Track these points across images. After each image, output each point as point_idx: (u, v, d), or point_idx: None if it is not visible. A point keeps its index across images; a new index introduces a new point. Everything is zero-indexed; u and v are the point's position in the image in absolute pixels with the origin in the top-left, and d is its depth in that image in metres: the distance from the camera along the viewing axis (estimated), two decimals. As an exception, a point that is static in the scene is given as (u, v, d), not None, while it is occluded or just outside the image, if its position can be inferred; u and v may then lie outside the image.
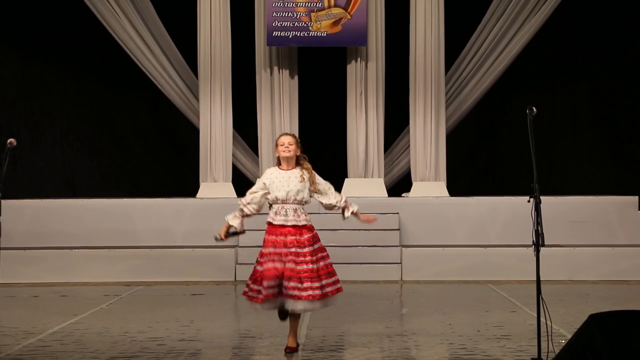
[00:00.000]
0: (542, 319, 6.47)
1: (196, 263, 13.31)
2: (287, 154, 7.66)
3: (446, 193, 14.47)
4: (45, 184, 16.08)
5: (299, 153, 7.75)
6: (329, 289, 7.51)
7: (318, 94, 15.96)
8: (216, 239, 7.58)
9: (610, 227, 13.87)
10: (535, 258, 6.55)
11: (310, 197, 7.68)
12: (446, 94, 15.09)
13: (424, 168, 14.74)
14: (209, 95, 14.81)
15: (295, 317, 7.62)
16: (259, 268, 7.51)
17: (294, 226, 7.52)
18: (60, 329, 8.99)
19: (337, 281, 7.62)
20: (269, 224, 7.57)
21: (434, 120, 14.73)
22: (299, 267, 7.42)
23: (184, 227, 13.99)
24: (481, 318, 9.51)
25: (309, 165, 7.73)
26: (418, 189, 14.59)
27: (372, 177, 14.72)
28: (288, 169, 7.68)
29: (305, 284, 7.38)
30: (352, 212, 7.75)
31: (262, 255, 7.54)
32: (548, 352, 6.36)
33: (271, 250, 7.48)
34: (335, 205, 7.75)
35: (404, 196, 14.63)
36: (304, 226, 7.55)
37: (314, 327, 8.98)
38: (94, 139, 16.89)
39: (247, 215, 7.68)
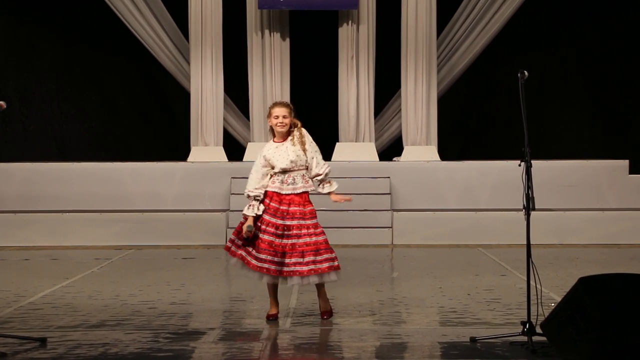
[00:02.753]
0: (532, 283, 6.50)
1: (187, 227, 13.32)
2: (282, 129, 7.52)
3: (437, 157, 14.47)
4: (35, 147, 16.03)
5: (293, 121, 7.61)
6: (325, 265, 7.41)
7: (309, 57, 15.89)
8: (249, 231, 7.42)
9: (601, 190, 13.90)
10: (525, 222, 6.56)
11: None
12: (438, 57, 15.04)
13: (415, 132, 14.73)
14: (200, 58, 14.74)
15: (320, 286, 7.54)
16: (258, 234, 7.36)
17: (300, 194, 7.41)
18: (51, 292, 9.00)
19: (335, 258, 7.48)
20: (275, 193, 7.43)
21: (425, 85, 14.70)
22: (300, 241, 7.36)
23: (174, 190, 13.98)
24: (471, 282, 9.55)
25: (300, 132, 7.58)
26: (409, 153, 14.58)
27: (363, 142, 14.70)
28: (283, 141, 7.54)
29: (307, 258, 7.33)
30: (326, 192, 7.53)
31: (261, 220, 7.42)
32: (538, 315, 6.39)
33: (272, 219, 7.37)
34: (317, 175, 7.54)
35: (395, 160, 14.63)
36: (307, 194, 7.45)
37: (305, 292, 8.99)
38: (84, 101, 16.80)
39: (260, 199, 7.46)
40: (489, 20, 15.06)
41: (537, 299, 6.52)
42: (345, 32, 14.77)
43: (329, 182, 7.59)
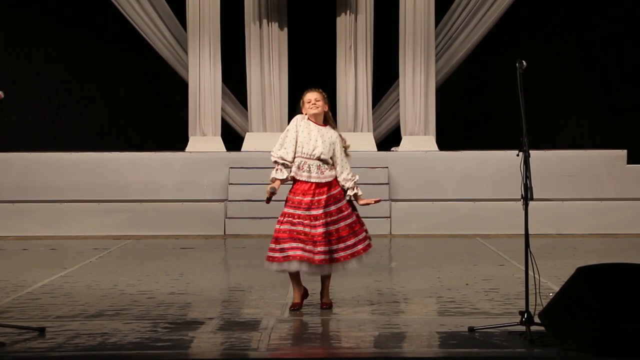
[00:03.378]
0: (530, 273, 6.50)
1: (185, 217, 13.32)
2: (314, 110, 7.43)
3: (435, 147, 14.46)
4: (33, 137, 16.01)
5: (326, 109, 7.53)
6: (348, 252, 7.39)
7: (307, 47, 15.85)
8: (272, 192, 7.40)
9: (599, 180, 13.90)
10: (523, 212, 6.56)
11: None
12: (436, 47, 15.02)
13: (414, 122, 14.72)
14: (198, 48, 14.71)
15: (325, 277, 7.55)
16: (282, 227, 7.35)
17: (317, 183, 7.39)
18: (49, 282, 9.01)
19: (359, 242, 7.44)
20: (296, 181, 7.42)
21: (423, 74, 14.68)
22: (331, 228, 7.31)
23: (173, 180, 13.97)
24: (470, 271, 9.56)
25: (339, 133, 7.51)
26: (407, 143, 14.57)
27: (361, 132, 14.69)
28: (319, 124, 7.46)
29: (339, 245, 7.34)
30: (354, 195, 7.42)
31: (284, 215, 7.39)
32: (536, 305, 6.40)
33: (295, 212, 7.36)
34: (341, 182, 7.45)
35: (393, 150, 14.63)
36: (327, 183, 7.40)
37: (303, 281, 8.98)
38: (82, 91, 16.77)
39: (285, 164, 7.43)
40: (487, 10, 15.03)
41: (536, 288, 6.52)
42: (343, 22, 14.75)
43: (355, 187, 7.47)
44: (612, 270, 5.98)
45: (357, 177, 7.50)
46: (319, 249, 7.26)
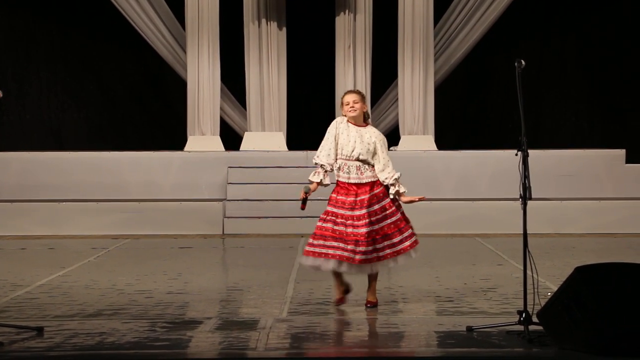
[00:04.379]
0: (529, 272, 6.50)
1: (184, 216, 13.32)
2: (353, 114, 7.50)
3: (434, 146, 14.46)
4: (32, 136, 16.00)
5: (365, 109, 7.59)
6: (394, 249, 7.44)
7: (306, 46, 15.85)
8: (306, 192, 7.47)
9: (598, 180, 13.90)
10: (522, 211, 6.56)
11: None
12: (435, 47, 15.02)
13: (412, 121, 14.72)
14: (197, 47, 14.70)
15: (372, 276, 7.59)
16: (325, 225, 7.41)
17: (356, 184, 7.44)
18: (48, 282, 9.00)
19: (405, 239, 7.50)
20: (338, 183, 7.48)
21: (422, 74, 14.68)
22: (376, 227, 7.37)
23: (171, 180, 13.97)
24: (468, 271, 9.56)
25: (380, 133, 7.58)
26: (406, 142, 14.57)
27: (360, 131, 14.66)
28: (358, 125, 7.52)
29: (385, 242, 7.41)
30: (396, 192, 7.49)
31: (327, 213, 7.46)
32: (534, 304, 6.40)
33: (339, 211, 7.41)
34: (382, 181, 7.49)
35: (392, 149, 14.60)
36: (368, 183, 7.45)
37: (302, 281, 9.01)
38: (81, 91, 16.76)
39: (326, 169, 7.52)
40: (486, 9, 15.02)
41: (534, 288, 6.52)
42: (342, 21, 14.75)
43: (398, 184, 7.52)
44: (610, 269, 5.98)
45: (399, 174, 7.52)
46: (361, 248, 7.30)
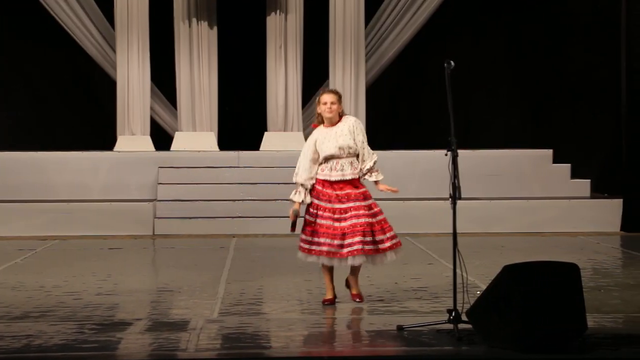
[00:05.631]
0: (458, 271, 6.56)
1: (113, 217, 13.18)
2: (329, 115, 7.63)
3: (366, 147, 14.49)
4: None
5: (341, 110, 7.72)
6: (379, 246, 7.56)
7: (237, 46, 15.79)
8: (295, 215, 7.56)
9: (525, 180, 14.09)
10: (452, 211, 6.62)
11: None
12: (366, 47, 15.08)
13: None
14: (126, 47, 14.56)
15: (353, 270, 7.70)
16: (316, 220, 7.51)
17: (350, 180, 7.57)
18: (-27, 284, 8.83)
19: (387, 240, 7.59)
20: (326, 181, 7.55)
21: (353, 74, 14.73)
22: (362, 220, 7.47)
23: (101, 180, 13.82)
24: (399, 270, 9.61)
25: (353, 121, 7.72)
26: (337, 142, 14.57)
27: (291, 131, 14.69)
28: (332, 126, 7.65)
29: (368, 238, 7.48)
30: (373, 181, 7.73)
31: (316, 207, 7.53)
32: (464, 303, 6.46)
33: (327, 205, 7.51)
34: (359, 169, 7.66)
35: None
36: (357, 179, 7.63)
37: (233, 281, 8.98)
38: (8, 90, 16.47)
39: (307, 188, 7.62)
40: (417, 10, 15.14)
41: (463, 287, 6.59)
42: (273, 21, 14.73)
43: (377, 170, 7.75)
44: (537, 268, 6.07)
45: (376, 157, 7.74)
46: (348, 241, 7.42)
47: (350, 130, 7.62)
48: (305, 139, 14.56)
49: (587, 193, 14.09)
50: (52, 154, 14.02)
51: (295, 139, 14.51)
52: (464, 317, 6.33)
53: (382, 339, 6.42)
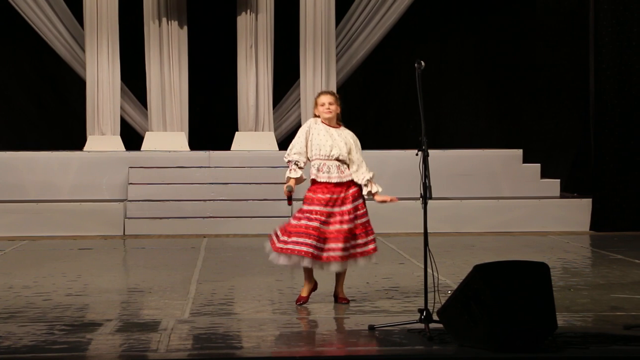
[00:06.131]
0: (429, 270, 6.58)
1: (84, 217, 13.11)
2: (328, 115, 7.65)
3: (336, 146, 14.50)
4: None
5: (339, 111, 7.75)
6: (358, 250, 7.56)
7: (208, 46, 15.76)
8: (289, 191, 7.51)
9: (495, 179, 14.17)
10: (423, 210, 6.64)
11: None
12: (337, 47, 15.10)
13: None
14: (96, 46, 14.48)
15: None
16: (304, 223, 7.44)
17: (336, 184, 7.53)
18: (-59, 286, 8.75)
19: (370, 242, 7.61)
20: (316, 182, 7.55)
21: (324, 74, 14.74)
22: (345, 227, 7.48)
23: (70, 180, 13.75)
24: (370, 270, 9.59)
25: (352, 134, 7.77)
26: (308, 142, 14.58)
27: (262, 131, 14.68)
28: (331, 127, 7.66)
29: (347, 244, 7.49)
30: (369, 192, 7.61)
31: (302, 212, 7.50)
32: (435, 302, 6.48)
33: (315, 208, 7.47)
34: (356, 180, 7.62)
35: (294, 150, 14.62)
36: (347, 182, 7.57)
37: (204, 281, 8.96)
38: (-24, 90, 16.35)
39: (299, 165, 7.61)
40: (387, 10, 15.18)
41: (434, 286, 6.61)
42: (243, 21, 14.71)
43: (372, 183, 7.65)
44: (507, 267, 6.10)
45: (372, 174, 7.68)
46: (331, 245, 7.44)
47: (346, 142, 7.63)
48: (277, 139, 14.69)
49: (557, 193, 14.19)
50: (21, 154, 13.93)
51: (266, 139, 14.51)
52: (435, 317, 6.35)
53: (353, 339, 6.43)
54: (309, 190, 7.60)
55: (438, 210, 12.46)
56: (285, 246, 7.46)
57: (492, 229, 13.33)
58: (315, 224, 7.43)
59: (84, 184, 13.70)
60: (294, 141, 7.68)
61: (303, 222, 7.47)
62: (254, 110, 14.70)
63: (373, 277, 9.14)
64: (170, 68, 14.68)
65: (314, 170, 7.58)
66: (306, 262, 7.45)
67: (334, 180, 7.54)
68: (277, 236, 7.55)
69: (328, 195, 7.51)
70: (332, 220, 7.48)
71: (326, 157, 7.57)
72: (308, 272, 7.64)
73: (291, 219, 7.59)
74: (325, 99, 7.71)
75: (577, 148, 14.92)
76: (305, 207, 7.53)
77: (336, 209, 7.51)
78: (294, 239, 7.44)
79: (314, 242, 7.40)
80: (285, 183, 7.62)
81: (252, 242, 12.00)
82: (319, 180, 7.55)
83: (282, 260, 7.50)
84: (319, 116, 7.70)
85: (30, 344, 6.21)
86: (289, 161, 7.65)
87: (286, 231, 7.50)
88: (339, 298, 7.74)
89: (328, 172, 7.56)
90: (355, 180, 7.60)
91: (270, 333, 6.63)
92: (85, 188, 13.68)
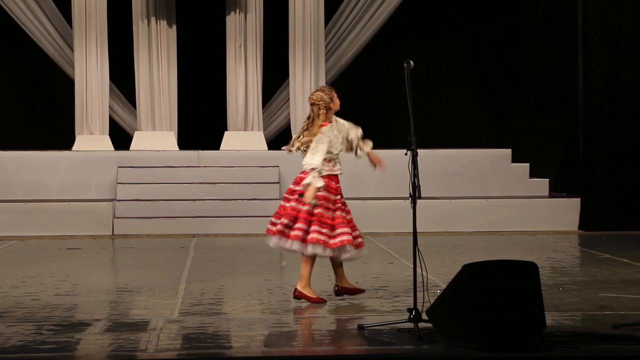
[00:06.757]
0: (419, 270, 6.59)
1: (72, 217, 13.08)
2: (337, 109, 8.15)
3: (326, 146, 14.50)
4: None
5: None
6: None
7: (197, 45, 15.74)
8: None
9: (484, 179, 14.19)
10: (412, 210, 6.65)
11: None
12: (326, 47, 15.10)
13: (303, 121, 14.72)
14: (85, 46, 14.45)
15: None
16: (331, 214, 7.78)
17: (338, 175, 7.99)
18: None
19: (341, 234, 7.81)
20: (329, 176, 7.92)
21: (313, 74, 14.74)
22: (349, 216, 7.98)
23: (59, 180, 13.71)
24: (359, 270, 9.63)
25: (339, 121, 8.27)
26: (298, 142, 14.56)
27: (251, 131, 14.67)
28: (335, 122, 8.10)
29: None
30: (364, 152, 8.24)
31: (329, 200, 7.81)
32: (424, 302, 6.49)
33: (335, 197, 7.87)
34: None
35: (283, 149, 14.61)
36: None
37: (193, 281, 8.95)
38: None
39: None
40: (376, 10, 15.19)
41: (423, 286, 6.62)
42: (233, 20, 14.69)
43: (365, 143, 8.37)
44: (496, 267, 6.11)
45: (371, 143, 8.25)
46: (339, 231, 7.77)
47: (346, 128, 8.28)
48: (266, 138, 14.68)
49: (546, 192, 14.23)
50: (9, 153, 13.89)
51: (255, 138, 14.50)
52: (424, 316, 6.35)
53: (342, 338, 6.43)
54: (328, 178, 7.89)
55: (427, 209, 12.48)
56: (326, 239, 7.70)
57: (481, 229, 13.35)
58: (342, 213, 7.88)
59: (73, 184, 13.67)
60: (321, 148, 7.91)
61: (338, 213, 7.85)
62: (243, 109, 14.68)
63: (362, 277, 9.14)
64: (159, 67, 14.66)
65: (330, 166, 7.97)
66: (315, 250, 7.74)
67: (340, 172, 8.04)
68: (320, 233, 7.66)
69: (336, 185, 7.98)
70: (341, 207, 7.93)
71: (338, 152, 8.08)
72: (334, 265, 8.04)
73: (322, 210, 7.76)
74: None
75: (565, 148, 14.96)
76: (332, 197, 7.86)
77: (342, 199, 8.01)
78: (341, 229, 7.77)
79: (326, 231, 7.74)
80: (308, 189, 7.85)
81: (242, 242, 12.00)
82: (333, 173, 7.95)
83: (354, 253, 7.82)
84: (329, 109, 8.14)
85: (19, 344, 6.20)
86: (315, 168, 7.90)
87: (325, 224, 7.73)
88: (342, 287, 7.99)
89: (340, 164, 8.11)
90: (367, 151, 8.31)
91: (260, 332, 6.62)
92: (74, 188, 13.64)
